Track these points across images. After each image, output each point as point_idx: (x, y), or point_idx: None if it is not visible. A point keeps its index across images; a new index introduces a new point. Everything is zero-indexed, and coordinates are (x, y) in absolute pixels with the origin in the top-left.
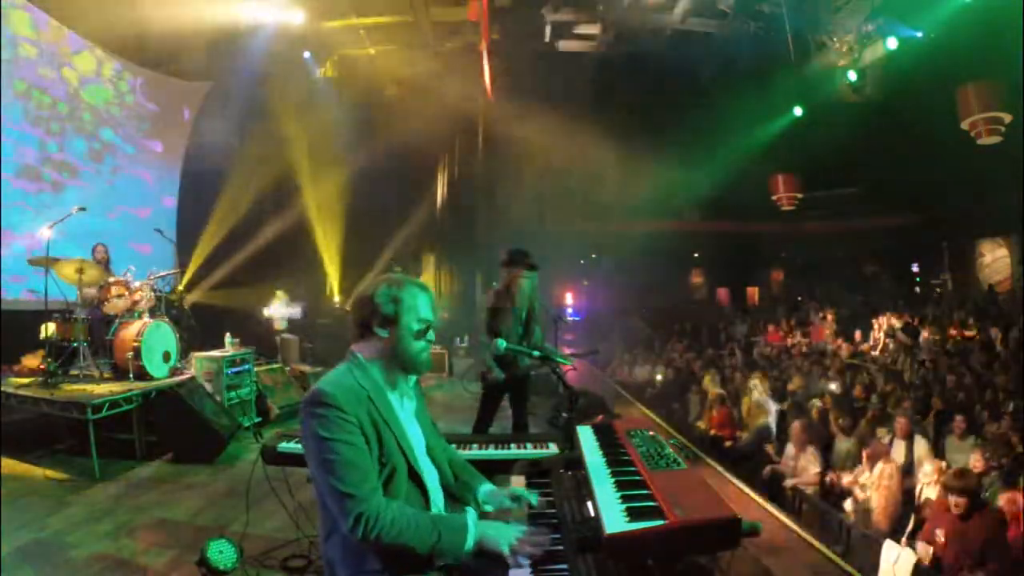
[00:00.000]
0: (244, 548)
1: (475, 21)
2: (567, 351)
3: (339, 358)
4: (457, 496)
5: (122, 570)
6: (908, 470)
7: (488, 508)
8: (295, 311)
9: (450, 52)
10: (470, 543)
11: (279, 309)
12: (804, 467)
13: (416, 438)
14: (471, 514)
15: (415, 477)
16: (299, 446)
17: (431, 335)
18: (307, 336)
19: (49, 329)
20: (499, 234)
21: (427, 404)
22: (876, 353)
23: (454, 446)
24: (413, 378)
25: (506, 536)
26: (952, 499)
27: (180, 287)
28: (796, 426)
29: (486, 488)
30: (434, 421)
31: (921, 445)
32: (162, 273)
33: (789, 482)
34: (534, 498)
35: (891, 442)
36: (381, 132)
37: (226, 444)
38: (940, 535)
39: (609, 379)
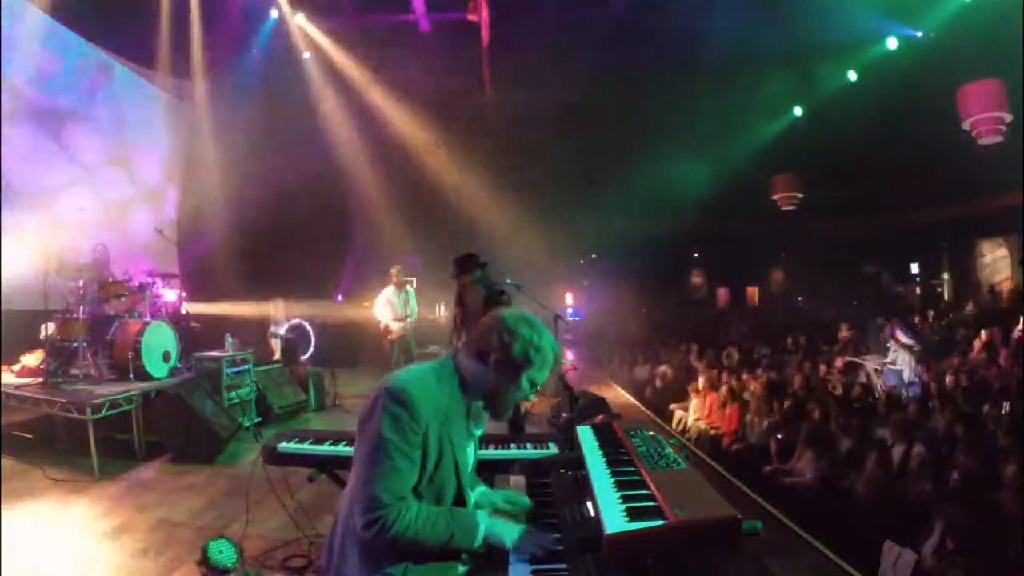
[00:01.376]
0: (244, 548)
1: (475, 21)
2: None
3: (338, 358)
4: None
5: (122, 570)
6: (902, 471)
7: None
8: (295, 321)
9: (449, 51)
10: (480, 539)
11: (280, 322)
12: (812, 467)
13: (470, 462)
14: (481, 511)
15: (460, 501)
16: (299, 446)
17: (532, 395)
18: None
19: (49, 329)
20: (498, 233)
21: None
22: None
23: None
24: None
25: (511, 534)
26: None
27: (180, 287)
28: (804, 427)
29: (479, 489)
30: None
31: (917, 447)
32: (162, 273)
33: (788, 480)
34: (525, 500)
35: (891, 445)
36: (380, 132)
37: (226, 444)
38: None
39: (609, 379)
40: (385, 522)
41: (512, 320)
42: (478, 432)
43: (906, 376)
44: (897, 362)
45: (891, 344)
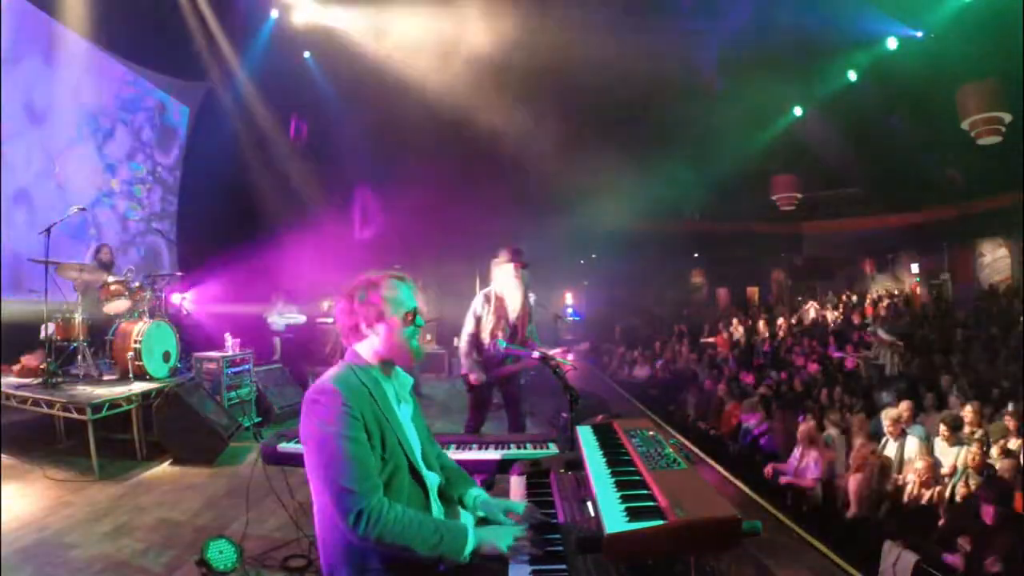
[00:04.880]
0: (244, 548)
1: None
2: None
3: (337, 358)
4: (448, 499)
5: (122, 570)
6: (899, 468)
7: (480, 514)
8: (297, 317)
9: (449, 53)
10: (470, 548)
11: (278, 316)
12: (812, 467)
13: (414, 440)
14: (468, 519)
15: (416, 476)
16: (299, 446)
17: (419, 320)
18: (306, 336)
19: (49, 329)
20: (499, 233)
21: (425, 404)
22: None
23: (453, 446)
24: (409, 382)
25: (504, 537)
26: (984, 507)
27: (180, 287)
28: (803, 428)
29: (476, 494)
30: (431, 421)
31: (913, 443)
32: (163, 273)
33: (784, 479)
34: (520, 508)
35: (885, 441)
36: (381, 132)
37: (226, 444)
38: (966, 544)
39: (609, 379)
40: (370, 514)
41: (349, 292)
42: (409, 409)
43: (888, 371)
44: (880, 357)
45: (873, 340)
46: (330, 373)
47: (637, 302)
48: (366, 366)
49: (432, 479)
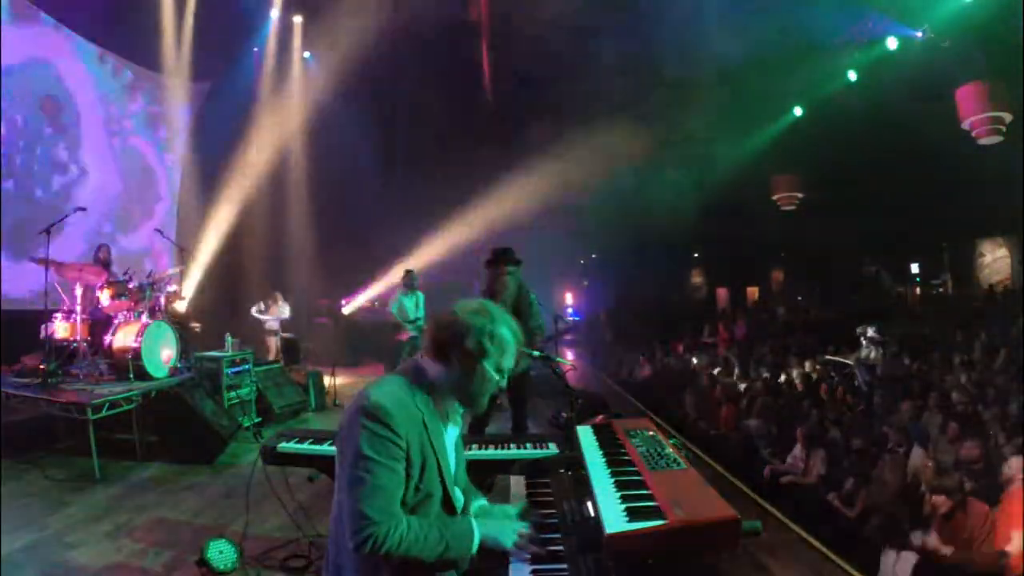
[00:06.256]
0: (244, 548)
1: (475, 22)
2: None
3: (336, 358)
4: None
5: (122, 570)
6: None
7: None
8: (285, 315)
9: (449, 51)
10: (475, 547)
11: (274, 315)
12: (812, 467)
13: (453, 467)
14: (473, 517)
15: (448, 505)
16: (299, 446)
17: (503, 382)
18: (305, 336)
19: (49, 329)
20: (499, 232)
21: None
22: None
23: None
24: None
25: (508, 533)
26: (936, 499)
27: (180, 287)
28: (802, 426)
29: (479, 504)
30: None
31: (916, 451)
32: (162, 273)
33: (786, 479)
34: (518, 510)
35: (890, 445)
36: (380, 132)
37: (226, 444)
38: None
39: (609, 379)
40: (376, 539)
41: (463, 314)
42: (456, 431)
43: (879, 371)
44: (870, 358)
45: (864, 341)
46: (388, 386)
47: (637, 302)
48: (429, 386)
49: (459, 503)
